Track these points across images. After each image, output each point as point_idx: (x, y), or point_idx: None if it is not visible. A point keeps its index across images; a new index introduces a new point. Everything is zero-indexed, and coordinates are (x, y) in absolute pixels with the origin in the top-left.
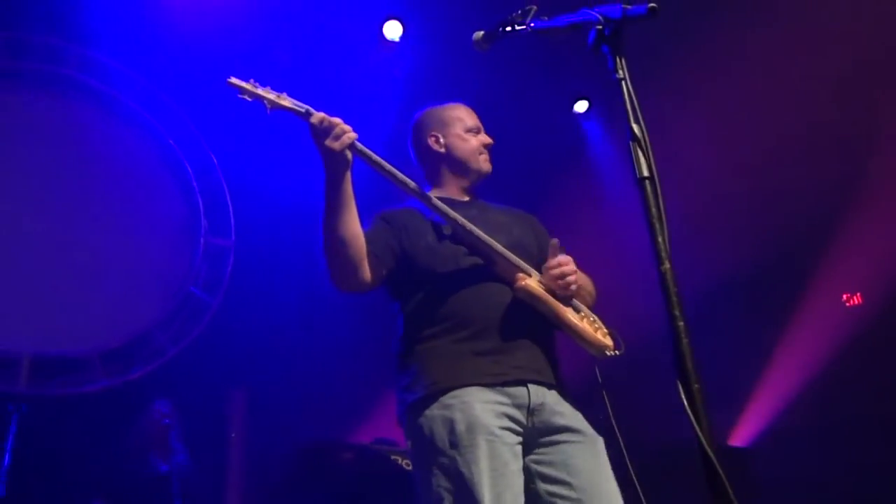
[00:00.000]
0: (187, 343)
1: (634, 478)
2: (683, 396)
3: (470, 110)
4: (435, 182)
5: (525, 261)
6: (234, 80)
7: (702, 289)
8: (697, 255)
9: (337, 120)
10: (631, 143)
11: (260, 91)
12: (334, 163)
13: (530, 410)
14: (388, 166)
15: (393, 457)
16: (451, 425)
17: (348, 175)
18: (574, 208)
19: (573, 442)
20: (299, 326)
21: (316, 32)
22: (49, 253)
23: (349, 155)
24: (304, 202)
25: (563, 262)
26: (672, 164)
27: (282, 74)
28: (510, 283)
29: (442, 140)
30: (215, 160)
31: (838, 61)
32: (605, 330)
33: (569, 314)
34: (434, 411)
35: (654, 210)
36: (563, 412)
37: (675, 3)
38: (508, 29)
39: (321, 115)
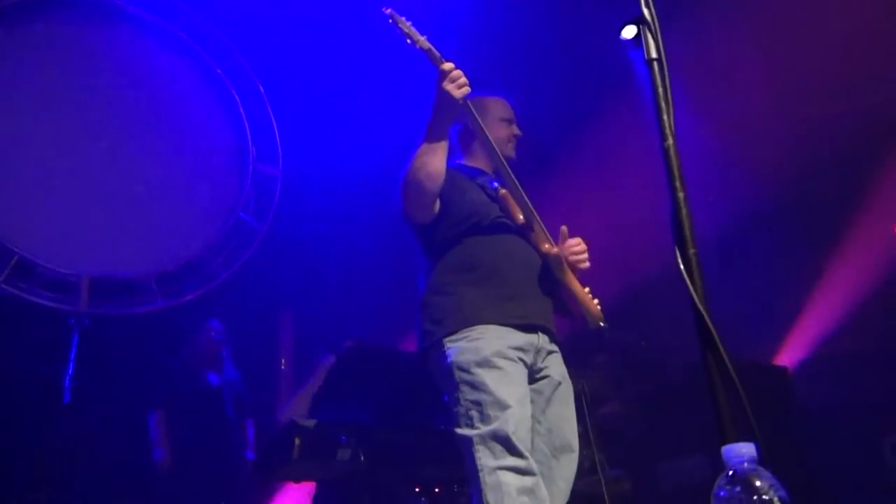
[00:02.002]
0: (237, 267)
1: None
2: (680, 261)
3: (507, 104)
4: (467, 154)
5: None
6: (391, 11)
7: (753, 211)
8: (748, 178)
9: (461, 72)
10: (640, 25)
11: (409, 28)
12: (448, 106)
13: (538, 350)
14: (482, 124)
15: None
16: (476, 351)
17: (451, 120)
18: (619, 136)
19: (553, 386)
20: (344, 251)
21: None
22: (105, 180)
23: (461, 104)
24: (349, 131)
25: (582, 243)
26: (712, 76)
27: (328, 9)
28: (535, 246)
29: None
30: (262, 89)
31: None
32: (599, 305)
33: (579, 286)
34: (462, 343)
35: (660, 90)
36: (554, 358)
37: None
38: None
39: (451, 63)
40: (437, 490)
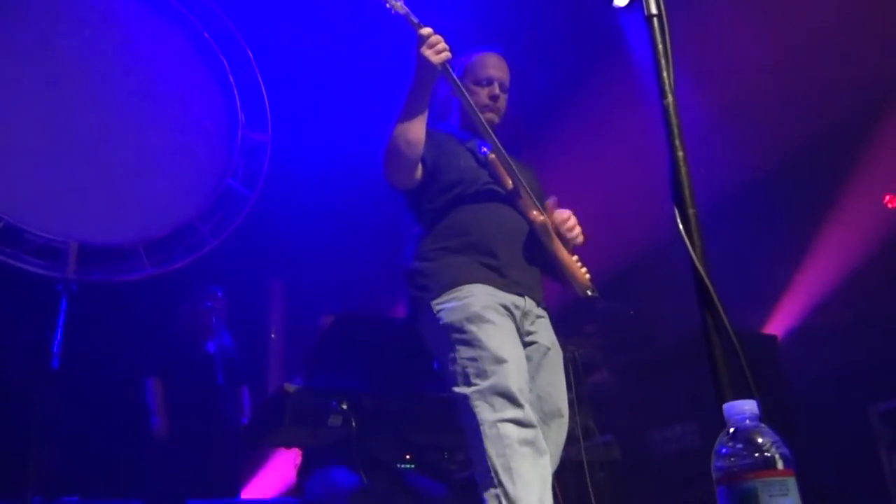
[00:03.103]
0: (227, 234)
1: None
2: (679, 220)
3: (493, 60)
4: (462, 118)
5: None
6: None
7: (742, 179)
8: (739, 146)
9: (440, 37)
10: None
11: None
12: (427, 72)
13: (524, 313)
14: (463, 89)
15: None
16: (466, 308)
17: (431, 86)
18: (610, 103)
19: (542, 353)
20: (334, 219)
21: None
22: (93, 146)
23: (439, 69)
24: (339, 98)
25: (572, 217)
26: (715, 55)
27: None
28: (524, 215)
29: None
30: (251, 55)
31: None
32: (589, 274)
33: (567, 254)
34: (451, 303)
35: (660, 46)
36: (541, 323)
37: None
38: None
39: (429, 29)
40: (427, 456)
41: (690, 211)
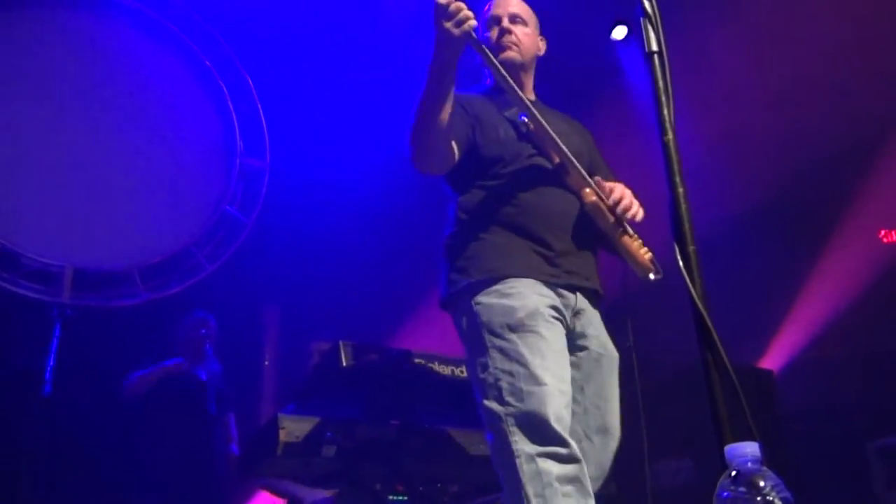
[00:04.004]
0: (223, 261)
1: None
2: (680, 258)
3: (495, 1)
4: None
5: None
6: None
7: (739, 212)
8: (735, 179)
9: (462, 4)
10: (642, 19)
11: None
12: (449, 46)
13: (575, 313)
14: (494, 60)
15: (416, 360)
16: (510, 311)
17: (455, 62)
18: (607, 138)
19: (593, 359)
20: (331, 247)
21: None
22: (91, 171)
23: (463, 42)
24: (338, 125)
25: (624, 191)
26: (713, 86)
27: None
28: (573, 192)
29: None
30: (251, 81)
31: None
32: (651, 254)
33: (625, 235)
34: (492, 298)
35: (661, 83)
36: (594, 323)
37: None
38: None
39: None
40: (420, 488)
41: (690, 248)
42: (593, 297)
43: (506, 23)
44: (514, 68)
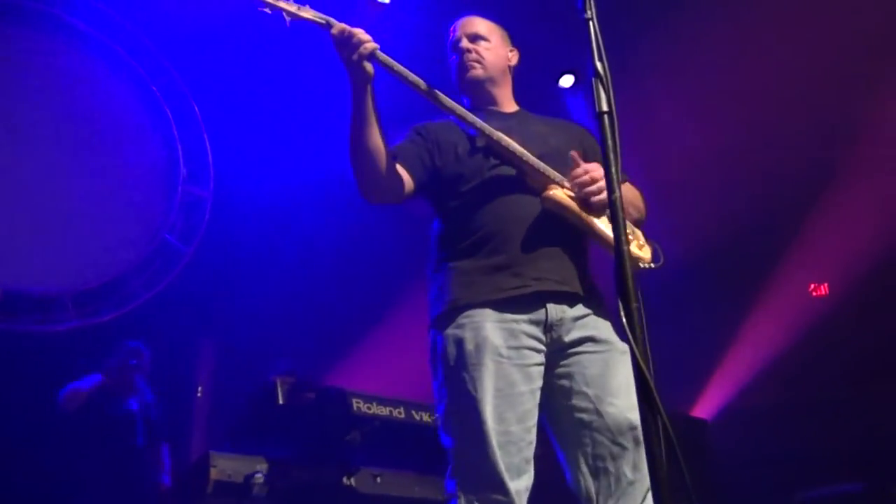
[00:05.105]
0: (160, 289)
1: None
2: (623, 315)
3: (461, 21)
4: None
5: (559, 171)
6: None
7: (673, 262)
8: (669, 228)
9: (357, 30)
10: (594, 79)
11: (281, 3)
12: (355, 73)
13: (548, 327)
14: (412, 77)
15: (355, 400)
16: (460, 345)
17: (369, 88)
18: None
19: (591, 352)
20: (270, 279)
21: None
22: (27, 191)
23: (369, 67)
24: (283, 155)
25: (591, 169)
26: (651, 138)
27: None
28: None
29: None
30: (197, 109)
31: (821, 49)
32: (642, 242)
33: (599, 224)
34: (449, 330)
35: (610, 142)
36: (587, 323)
37: None
38: None
39: (342, 25)
40: None
41: (634, 305)
42: (574, 300)
43: (465, 43)
44: (482, 84)
